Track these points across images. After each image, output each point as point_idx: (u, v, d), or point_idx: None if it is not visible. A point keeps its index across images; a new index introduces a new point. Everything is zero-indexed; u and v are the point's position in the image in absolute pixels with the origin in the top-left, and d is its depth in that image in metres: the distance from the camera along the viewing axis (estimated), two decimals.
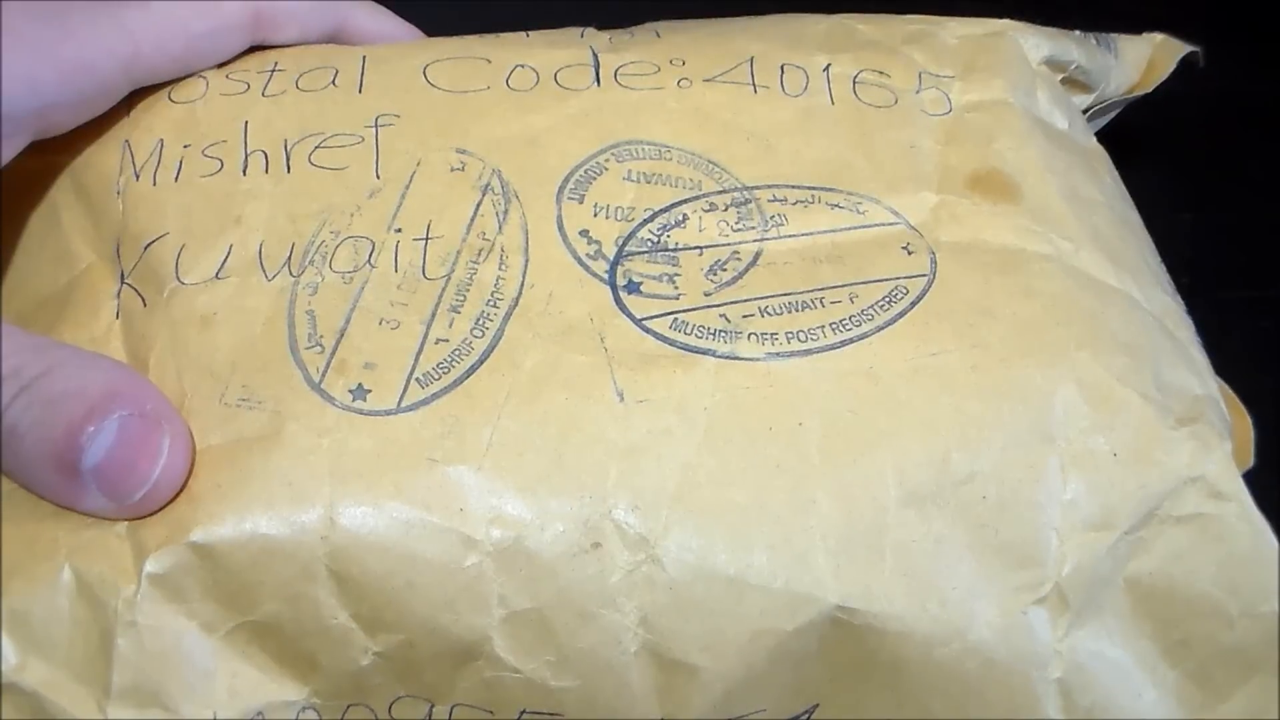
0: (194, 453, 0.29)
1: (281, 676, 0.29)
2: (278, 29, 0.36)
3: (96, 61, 0.33)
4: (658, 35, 0.38)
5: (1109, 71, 0.41)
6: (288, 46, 0.37)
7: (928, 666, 0.29)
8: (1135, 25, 0.43)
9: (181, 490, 0.29)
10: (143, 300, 0.32)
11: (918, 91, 0.36)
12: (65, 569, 0.29)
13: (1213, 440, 0.30)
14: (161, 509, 0.29)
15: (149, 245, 0.32)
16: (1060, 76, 0.40)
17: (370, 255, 0.32)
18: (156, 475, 0.29)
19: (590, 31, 0.39)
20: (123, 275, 0.32)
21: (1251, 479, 0.31)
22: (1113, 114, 0.44)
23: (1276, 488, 0.32)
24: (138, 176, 0.33)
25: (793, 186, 0.33)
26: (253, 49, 0.37)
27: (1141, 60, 0.43)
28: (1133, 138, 0.43)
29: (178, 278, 0.32)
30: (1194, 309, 0.35)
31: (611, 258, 0.32)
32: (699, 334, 0.30)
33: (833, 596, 0.29)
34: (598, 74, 0.35)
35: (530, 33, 0.38)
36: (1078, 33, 0.41)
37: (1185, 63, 0.43)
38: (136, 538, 0.29)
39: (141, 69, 0.34)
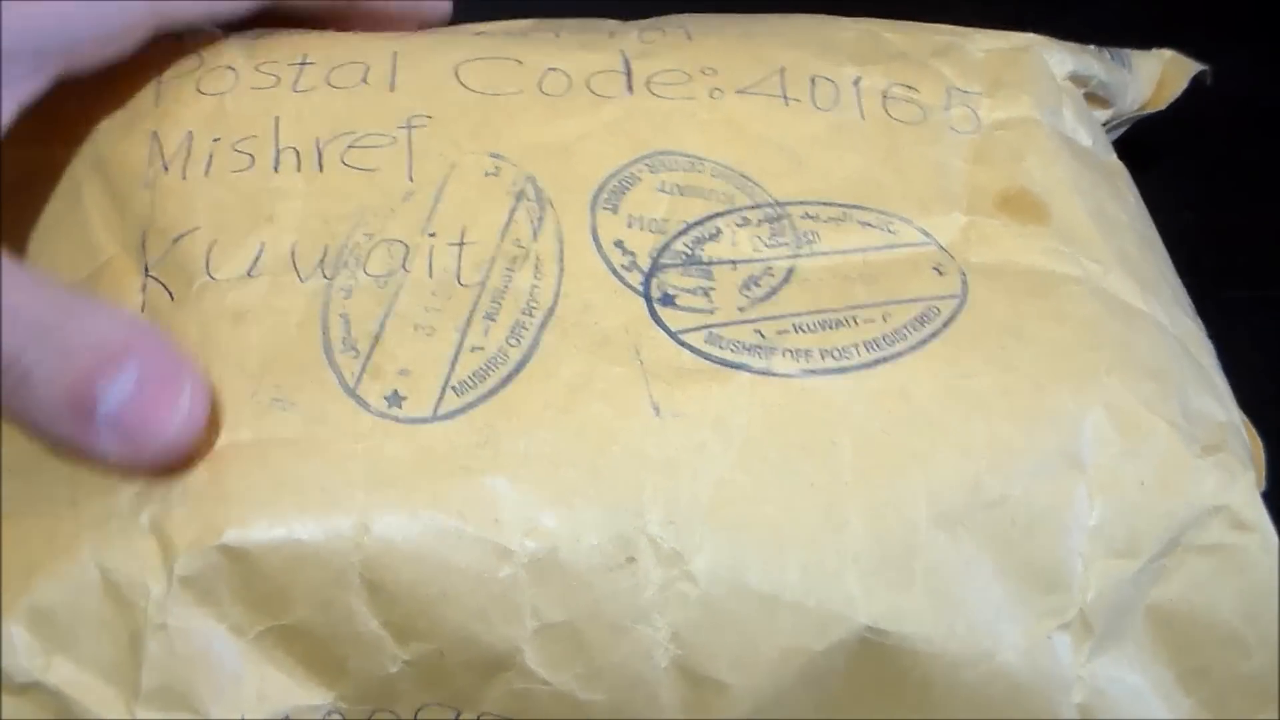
0: (212, 407, 0.29)
1: (309, 680, 0.29)
2: None
3: None
4: (688, 36, 0.37)
5: (1126, 87, 0.42)
6: (316, 35, 0.37)
7: (954, 688, 0.29)
8: (1134, 27, 0.44)
9: (199, 450, 0.29)
10: (170, 294, 0.31)
11: (946, 109, 0.36)
12: (91, 567, 0.28)
13: (1237, 469, 0.31)
14: (180, 467, 0.29)
15: (178, 239, 0.32)
16: (1083, 91, 0.40)
17: (404, 259, 0.31)
18: (177, 426, 0.29)
19: (618, 28, 0.38)
20: (146, 268, 0.32)
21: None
22: (1122, 130, 0.44)
23: (1277, 487, 0.33)
24: (166, 169, 0.33)
25: (824, 203, 0.33)
26: (282, 37, 0.36)
27: (1153, 76, 0.43)
28: (1134, 138, 0.43)
29: (209, 273, 0.31)
30: (1196, 310, 0.36)
31: (646, 269, 0.32)
32: (734, 349, 0.31)
33: (863, 617, 0.29)
34: (630, 81, 0.35)
35: (560, 31, 0.38)
36: (1092, 47, 0.41)
37: None
38: (164, 535, 0.28)
39: (169, 12, 0.34)
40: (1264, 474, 0.33)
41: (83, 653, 0.28)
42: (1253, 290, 0.47)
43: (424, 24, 0.39)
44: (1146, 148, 0.43)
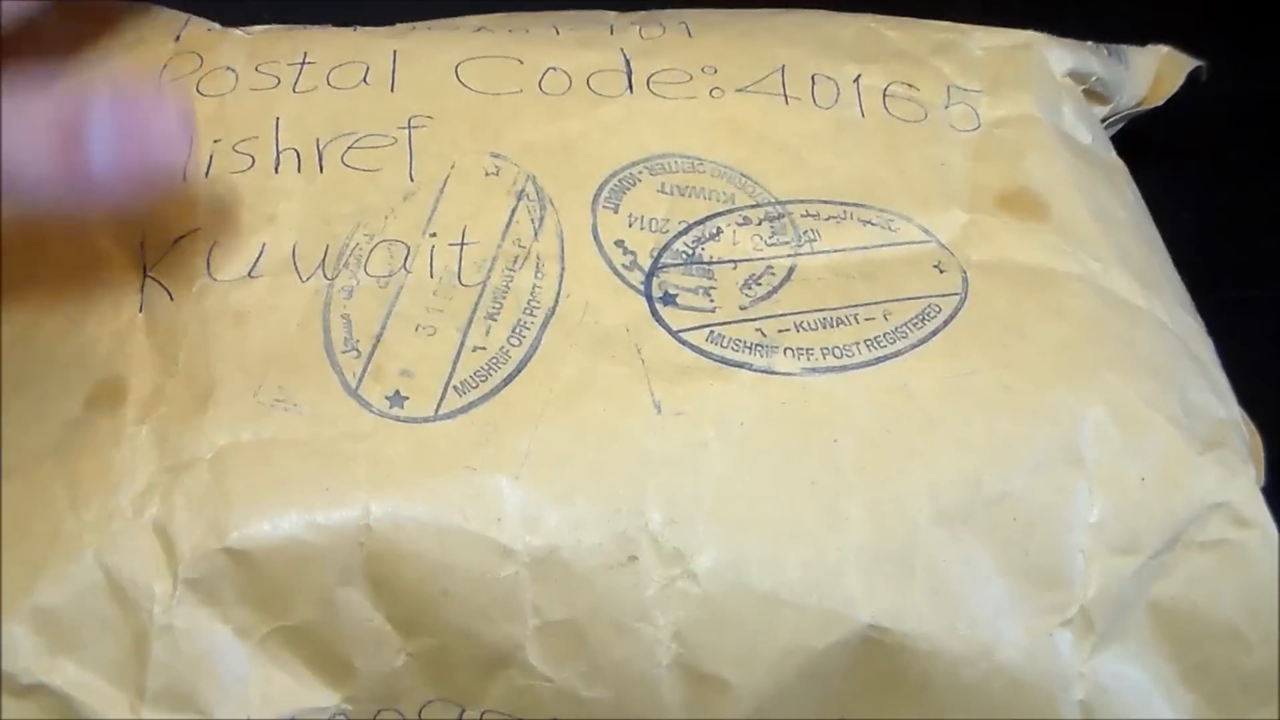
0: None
1: (315, 681, 0.29)
2: None
3: None
4: (689, 34, 0.38)
5: (1124, 84, 0.42)
6: (318, 32, 0.37)
7: (954, 685, 0.29)
8: (1134, 26, 0.44)
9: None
10: (169, 294, 0.32)
11: (946, 106, 0.36)
12: (94, 568, 0.28)
13: (1237, 466, 0.31)
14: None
15: (178, 240, 0.32)
16: (1081, 88, 0.40)
17: (405, 259, 0.32)
18: (172, 129, 0.28)
19: (618, 23, 0.38)
20: (145, 269, 0.32)
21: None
22: (1119, 126, 0.44)
23: (1276, 486, 0.33)
24: None
25: (825, 201, 0.33)
26: (282, 34, 0.36)
27: (1149, 72, 0.43)
28: (1134, 138, 0.43)
29: (209, 274, 0.32)
30: (1196, 310, 0.36)
31: (647, 269, 0.32)
32: (735, 347, 0.31)
33: (864, 615, 0.29)
34: (630, 81, 0.35)
35: (559, 26, 0.38)
36: (1091, 44, 0.41)
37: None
38: (167, 537, 0.29)
39: None
40: (1263, 469, 0.33)
41: (87, 654, 0.28)
42: (1252, 290, 0.46)
43: None
44: (1146, 147, 0.43)
